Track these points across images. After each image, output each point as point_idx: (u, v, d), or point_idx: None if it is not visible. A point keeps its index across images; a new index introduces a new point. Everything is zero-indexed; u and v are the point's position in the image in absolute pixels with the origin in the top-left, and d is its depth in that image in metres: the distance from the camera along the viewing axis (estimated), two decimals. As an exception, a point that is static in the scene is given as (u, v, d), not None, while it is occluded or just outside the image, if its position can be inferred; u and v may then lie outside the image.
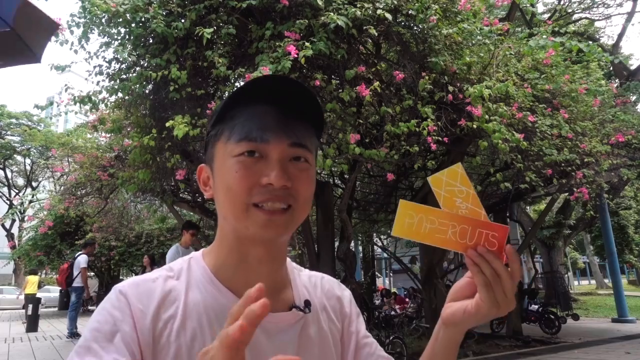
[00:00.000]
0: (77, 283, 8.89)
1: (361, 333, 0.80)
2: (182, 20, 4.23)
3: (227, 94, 5.94)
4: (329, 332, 0.75)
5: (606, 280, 27.03)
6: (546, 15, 13.61)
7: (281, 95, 0.64)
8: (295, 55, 3.72)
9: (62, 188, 9.21)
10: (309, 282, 0.79)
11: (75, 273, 8.95)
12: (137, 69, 4.68)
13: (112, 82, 4.69)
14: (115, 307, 0.62)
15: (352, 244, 11.26)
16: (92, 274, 18.47)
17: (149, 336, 0.61)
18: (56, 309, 20.65)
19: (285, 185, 0.62)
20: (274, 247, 0.68)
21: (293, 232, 0.70)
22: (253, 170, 0.63)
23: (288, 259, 0.79)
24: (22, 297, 21.89)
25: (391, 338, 5.96)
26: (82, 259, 8.95)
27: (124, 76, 4.67)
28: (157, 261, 16.63)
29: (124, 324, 0.60)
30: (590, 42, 5.07)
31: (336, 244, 6.75)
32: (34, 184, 25.47)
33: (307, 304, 0.73)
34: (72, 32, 4.42)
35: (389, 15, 4.08)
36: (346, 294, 0.83)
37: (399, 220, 0.64)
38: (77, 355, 0.57)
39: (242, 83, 5.60)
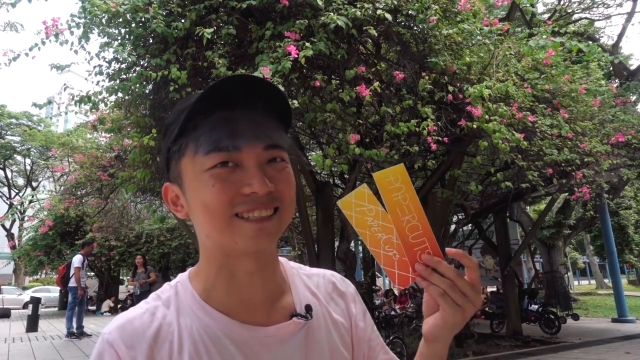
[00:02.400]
0: (72, 283, 8.96)
1: (368, 332, 0.77)
2: (182, 21, 4.23)
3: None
4: (337, 334, 0.72)
5: (606, 280, 27.03)
6: (546, 16, 13.60)
7: (241, 96, 0.60)
8: (296, 56, 3.72)
9: (62, 188, 9.22)
10: (311, 282, 0.76)
11: (71, 273, 9.00)
12: (137, 69, 4.68)
13: (112, 82, 4.68)
14: None
15: (352, 244, 11.26)
16: (92, 274, 18.47)
17: None
18: (56, 309, 20.66)
19: (270, 190, 0.59)
20: (263, 255, 0.65)
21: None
22: (230, 181, 0.59)
23: (284, 259, 0.76)
24: (22, 296, 21.93)
25: (391, 338, 5.96)
26: (75, 259, 9.02)
27: (123, 76, 4.66)
28: (157, 261, 16.67)
29: None
30: (590, 42, 5.07)
31: (336, 244, 6.75)
32: (34, 184, 25.49)
33: (309, 309, 0.69)
34: (72, 33, 4.42)
35: (389, 16, 4.08)
36: (350, 290, 0.80)
37: (386, 173, 0.64)
38: None
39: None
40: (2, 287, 21.82)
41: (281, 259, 0.75)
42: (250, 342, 0.63)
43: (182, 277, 0.70)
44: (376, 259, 0.66)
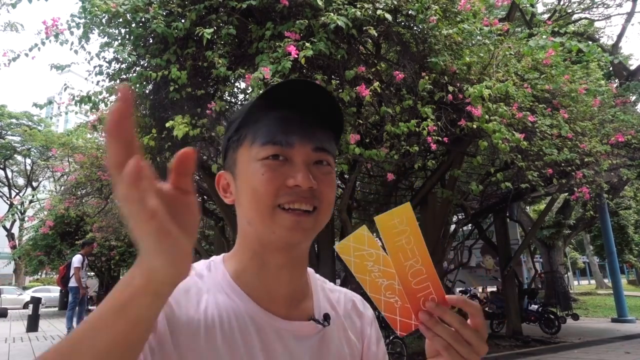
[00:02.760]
0: (72, 283, 8.97)
1: (380, 356, 0.78)
2: (182, 21, 4.24)
3: (227, 94, 5.95)
4: (349, 351, 0.73)
5: (606, 280, 27.03)
6: (546, 16, 13.61)
7: (302, 99, 0.65)
8: (296, 56, 3.73)
9: (62, 188, 9.23)
10: (332, 296, 0.79)
11: (71, 273, 9.02)
12: (137, 69, 4.69)
13: (112, 82, 4.69)
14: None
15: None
16: (92, 273, 18.48)
17: (171, 314, 0.60)
18: (56, 308, 20.67)
19: (312, 186, 0.63)
20: (296, 253, 0.68)
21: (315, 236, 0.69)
22: (279, 172, 0.63)
23: (311, 270, 0.78)
24: (22, 296, 21.94)
25: (391, 338, 5.96)
26: (75, 259, 9.03)
27: (124, 76, 4.67)
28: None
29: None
30: (590, 42, 5.07)
31: (336, 243, 6.75)
32: (34, 184, 25.48)
33: (326, 317, 0.72)
34: (72, 33, 4.43)
35: (388, 16, 4.08)
36: (369, 313, 0.81)
37: (389, 215, 0.61)
38: None
39: (242, 83, 5.61)
40: (2, 287, 21.85)
41: (308, 268, 0.78)
42: (268, 330, 0.66)
43: (216, 258, 0.74)
44: (377, 306, 0.64)
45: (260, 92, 0.67)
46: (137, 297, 0.43)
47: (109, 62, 4.78)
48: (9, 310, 18.99)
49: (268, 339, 0.65)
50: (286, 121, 0.65)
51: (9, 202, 22.41)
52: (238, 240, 0.71)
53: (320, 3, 4.05)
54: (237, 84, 5.70)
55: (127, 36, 4.51)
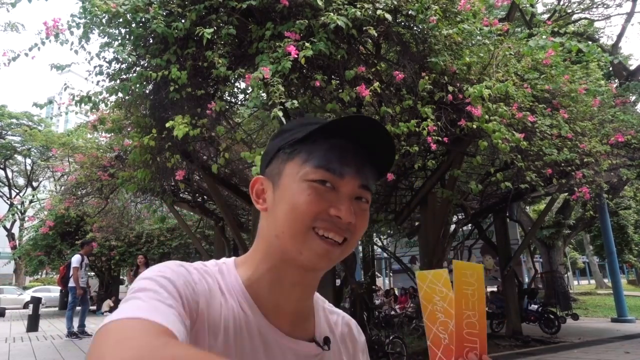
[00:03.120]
0: (72, 283, 8.96)
1: None
2: (182, 21, 4.24)
3: (227, 94, 5.95)
4: None
5: (606, 280, 27.03)
6: (546, 16, 13.61)
7: (362, 134, 0.66)
8: (295, 56, 3.73)
9: (62, 188, 9.22)
10: (331, 318, 0.81)
11: (70, 273, 9.02)
12: (137, 69, 4.69)
13: (112, 82, 4.69)
14: (177, 273, 0.61)
15: (352, 243, 11.24)
16: (92, 273, 18.48)
17: (195, 304, 0.61)
18: (57, 308, 20.67)
19: (351, 221, 0.65)
20: (313, 276, 0.70)
21: None
22: (324, 198, 0.65)
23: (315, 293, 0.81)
24: (22, 296, 21.94)
25: (391, 338, 5.97)
26: (74, 259, 9.03)
27: (124, 76, 4.67)
28: (158, 261, 16.68)
29: (183, 286, 0.60)
30: (590, 43, 5.07)
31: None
32: (35, 184, 25.49)
33: (327, 341, 0.74)
34: (72, 33, 4.43)
35: (388, 16, 4.08)
36: (362, 339, 0.84)
37: (466, 267, 0.68)
38: (135, 298, 0.54)
39: (242, 83, 5.62)
40: (2, 287, 21.85)
41: None
42: (273, 345, 0.67)
43: (227, 260, 0.74)
44: (426, 333, 0.68)
45: (321, 119, 0.71)
46: None
47: (109, 62, 4.78)
48: (9, 310, 19.02)
49: (273, 355, 0.67)
50: (343, 151, 0.66)
51: (9, 202, 22.42)
52: (257, 248, 0.71)
53: (320, 3, 4.06)
54: (237, 84, 5.70)
55: (127, 36, 4.51)
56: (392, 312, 10.02)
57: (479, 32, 4.77)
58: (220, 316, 0.63)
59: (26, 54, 4.49)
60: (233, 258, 0.74)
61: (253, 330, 0.66)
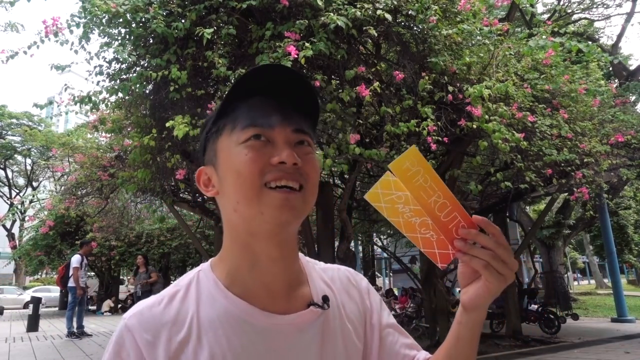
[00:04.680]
0: (71, 283, 8.96)
1: (383, 323, 0.79)
2: (183, 21, 4.24)
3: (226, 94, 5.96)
4: (351, 326, 0.74)
5: (605, 280, 27.04)
6: (546, 16, 13.61)
7: (278, 85, 0.67)
8: (295, 56, 3.73)
9: (62, 188, 9.21)
10: (326, 275, 0.79)
11: (70, 273, 9.01)
12: (137, 69, 4.69)
13: (113, 82, 4.69)
14: (122, 346, 0.62)
15: (352, 243, 11.26)
16: (92, 273, 18.48)
17: None
18: (57, 308, 20.67)
19: (296, 162, 0.63)
20: (286, 239, 0.67)
21: (302, 220, 0.69)
22: (263, 152, 0.64)
23: (300, 254, 0.78)
24: (22, 296, 21.95)
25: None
26: (74, 259, 9.03)
27: (124, 76, 4.67)
28: (158, 261, 16.68)
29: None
30: (590, 43, 5.07)
31: (336, 244, 6.76)
32: (35, 184, 25.48)
33: (325, 299, 0.72)
34: (72, 32, 4.43)
35: (388, 16, 4.08)
36: (363, 284, 0.83)
37: (401, 160, 0.64)
38: None
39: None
40: (2, 287, 21.87)
41: (299, 254, 0.78)
42: (271, 330, 0.66)
43: (204, 265, 0.73)
44: (415, 244, 0.66)
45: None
46: None
47: (109, 62, 4.78)
48: (9, 310, 19.02)
49: (271, 339, 0.65)
50: (264, 106, 0.67)
51: (9, 202, 22.42)
52: (225, 236, 0.70)
53: (320, 3, 4.06)
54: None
55: (127, 36, 4.51)
56: (392, 312, 10.02)
57: (479, 32, 4.77)
58: (194, 340, 0.62)
59: (25, 52, 4.49)
60: (210, 260, 0.73)
61: (241, 325, 0.64)
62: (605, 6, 14.65)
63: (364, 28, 4.17)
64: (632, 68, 13.36)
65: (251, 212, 0.63)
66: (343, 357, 0.71)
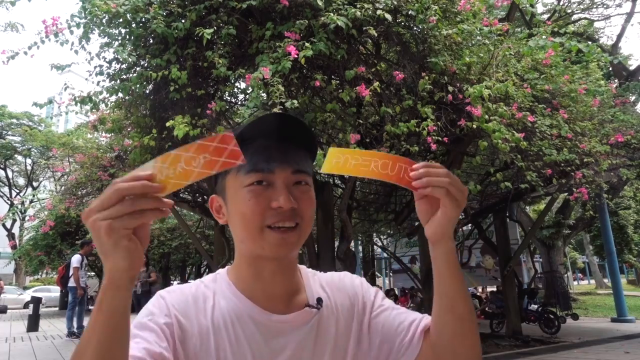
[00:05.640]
0: (71, 283, 8.96)
1: (376, 304, 0.86)
2: (183, 21, 4.24)
3: (227, 94, 5.96)
4: (346, 326, 0.82)
5: (605, 280, 27.03)
6: (545, 16, 13.61)
7: (279, 129, 0.75)
8: (295, 56, 3.73)
9: (62, 188, 9.22)
10: (323, 280, 0.88)
11: (70, 273, 9.02)
12: (138, 69, 4.69)
13: (113, 82, 4.69)
14: (155, 306, 0.74)
15: (352, 244, 11.26)
16: (93, 273, 18.47)
17: (179, 329, 0.72)
18: (57, 308, 20.67)
19: (293, 206, 0.72)
20: (285, 261, 0.78)
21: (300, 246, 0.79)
22: (263, 197, 0.73)
23: (302, 266, 0.89)
24: (23, 296, 21.94)
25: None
26: (74, 259, 9.03)
27: (124, 76, 4.67)
28: (158, 261, 16.68)
29: (159, 317, 0.72)
30: (590, 43, 5.07)
31: (336, 243, 6.77)
32: (35, 184, 25.48)
33: (319, 300, 0.81)
34: (72, 32, 4.43)
35: (388, 16, 4.09)
36: (357, 280, 0.90)
37: (327, 160, 0.70)
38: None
39: (242, 83, 5.62)
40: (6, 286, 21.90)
41: (300, 266, 0.89)
42: (268, 325, 0.76)
43: (221, 271, 0.86)
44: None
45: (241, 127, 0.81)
46: (106, 293, 0.56)
47: (109, 62, 4.78)
48: (9, 310, 19.03)
49: (269, 333, 0.75)
50: (266, 149, 0.75)
51: (9, 202, 22.43)
52: (236, 254, 0.82)
53: (320, 3, 4.06)
54: (237, 84, 5.71)
55: (127, 36, 4.51)
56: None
57: (478, 32, 4.77)
58: (209, 320, 0.74)
59: (25, 52, 4.49)
60: (226, 268, 0.86)
61: (245, 319, 0.75)
62: (605, 6, 14.66)
63: (364, 28, 4.18)
64: (632, 68, 13.37)
65: (255, 247, 0.75)
66: (337, 349, 0.79)
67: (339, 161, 0.70)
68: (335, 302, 0.84)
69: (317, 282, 0.87)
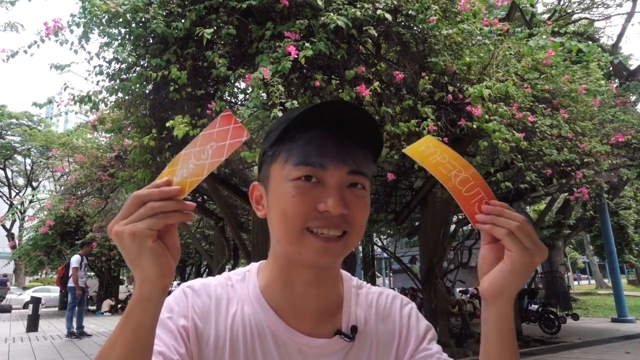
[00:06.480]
0: (71, 283, 8.95)
1: (422, 346, 0.74)
2: (182, 21, 4.24)
3: (227, 94, 5.95)
4: (382, 355, 0.72)
5: (606, 280, 27.03)
6: (546, 16, 13.61)
7: (340, 119, 0.64)
8: (295, 56, 3.72)
9: (62, 188, 9.22)
10: (365, 300, 0.76)
11: (70, 273, 9.01)
12: (137, 69, 4.68)
13: (112, 82, 4.69)
14: (177, 302, 0.68)
15: (352, 243, 11.21)
16: (92, 274, 18.47)
17: (194, 334, 0.67)
18: (56, 308, 20.66)
19: (343, 213, 0.62)
20: (324, 270, 0.68)
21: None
22: (310, 196, 0.62)
23: (347, 275, 0.77)
24: (22, 296, 21.93)
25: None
26: (73, 259, 9.02)
27: (124, 76, 4.67)
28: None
29: (179, 318, 0.66)
30: (590, 42, 5.07)
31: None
32: (34, 184, 25.47)
33: (354, 330, 0.70)
34: (72, 32, 4.43)
35: (388, 16, 4.08)
36: (406, 311, 0.77)
37: (417, 144, 0.64)
38: None
39: (242, 83, 5.61)
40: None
41: (345, 274, 0.77)
42: (290, 346, 0.67)
43: (253, 266, 0.77)
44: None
45: (299, 109, 0.68)
46: (135, 305, 0.53)
47: (109, 62, 4.77)
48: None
49: (288, 356, 0.67)
50: (322, 142, 0.64)
51: (9, 202, 22.42)
52: (271, 251, 0.72)
53: (320, 3, 4.05)
54: (237, 84, 5.70)
55: (127, 36, 4.51)
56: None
57: (479, 32, 4.77)
58: (228, 327, 0.67)
59: (25, 51, 4.49)
60: (259, 262, 0.76)
61: (265, 334, 0.67)
62: (605, 6, 14.66)
63: (364, 28, 4.17)
64: (632, 68, 13.36)
65: (291, 250, 0.64)
66: None
67: (427, 150, 0.63)
68: (373, 331, 0.73)
69: (359, 301, 0.75)
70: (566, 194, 8.70)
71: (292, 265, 0.67)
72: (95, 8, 4.08)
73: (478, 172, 0.63)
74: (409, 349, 0.73)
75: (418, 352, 0.73)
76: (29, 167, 25.20)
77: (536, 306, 9.53)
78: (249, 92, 5.37)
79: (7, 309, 18.93)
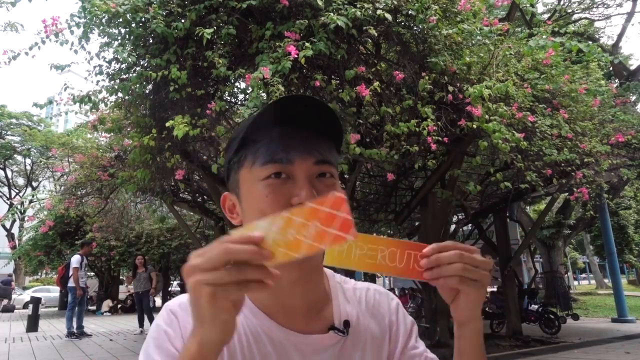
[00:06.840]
0: (71, 283, 8.96)
1: (409, 348, 0.77)
2: (182, 21, 4.24)
3: (227, 94, 5.95)
4: (370, 352, 0.73)
5: (606, 280, 27.03)
6: (546, 16, 13.61)
7: (299, 114, 0.65)
8: (295, 56, 3.72)
9: (62, 188, 9.21)
10: (354, 296, 0.77)
11: (70, 273, 9.01)
12: (137, 69, 4.68)
13: (112, 82, 4.69)
14: (168, 324, 0.66)
15: (352, 244, 11.20)
16: (92, 274, 18.48)
17: None
18: (56, 308, 20.67)
19: None
20: (308, 267, 0.67)
21: None
22: (282, 192, 0.63)
23: (330, 272, 0.78)
24: (22, 296, 21.94)
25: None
26: (73, 259, 9.03)
27: (124, 76, 4.67)
28: (157, 262, 16.68)
29: (176, 340, 0.65)
30: (590, 42, 5.07)
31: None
32: (34, 184, 25.47)
33: (346, 324, 0.71)
34: (72, 32, 4.43)
35: (388, 16, 4.08)
36: (392, 305, 0.80)
37: (330, 252, 0.60)
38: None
39: (242, 83, 5.61)
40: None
41: (327, 271, 0.78)
42: (286, 345, 0.68)
43: None
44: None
45: (258, 105, 0.66)
46: None
47: (109, 62, 4.78)
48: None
49: (286, 354, 0.67)
50: (284, 138, 0.65)
51: (9, 202, 22.41)
52: None
53: (320, 3, 4.05)
54: (237, 84, 5.70)
55: (127, 36, 4.51)
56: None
57: (479, 32, 4.76)
58: None
59: (26, 53, 4.49)
60: None
61: (261, 337, 0.67)
62: (605, 6, 14.66)
63: (364, 28, 4.17)
64: (632, 68, 13.37)
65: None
66: None
67: (342, 250, 0.60)
68: (365, 327, 0.74)
69: (347, 296, 0.77)
70: (566, 194, 8.70)
71: (276, 265, 0.66)
72: (95, 8, 4.08)
73: (391, 238, 0.62)
74: (399, 343, 0.76)
75: (407, 350, 0.76)
76: (28, 167, 25.20)
77: (536, 306, 9.52)
78: (249, 92, 5.37)
79: (11, 309, 19.17)
